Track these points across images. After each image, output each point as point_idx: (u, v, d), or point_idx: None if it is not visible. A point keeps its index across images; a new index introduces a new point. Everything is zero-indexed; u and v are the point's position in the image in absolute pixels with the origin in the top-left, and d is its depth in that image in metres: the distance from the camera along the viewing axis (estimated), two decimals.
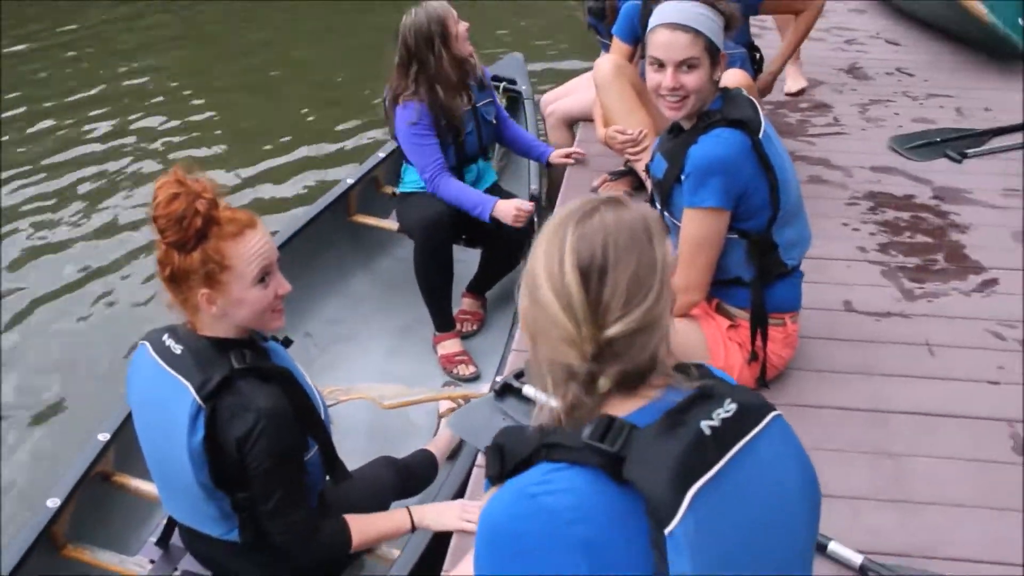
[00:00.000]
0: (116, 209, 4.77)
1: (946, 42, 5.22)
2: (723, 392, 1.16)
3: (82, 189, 4.97)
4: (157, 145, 5.55)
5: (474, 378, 3.20)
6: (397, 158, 3.63)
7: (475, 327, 3.46)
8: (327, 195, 3.71)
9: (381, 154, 3.98)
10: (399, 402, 2.82)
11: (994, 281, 2.94)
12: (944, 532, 1.99)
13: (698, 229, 2.19)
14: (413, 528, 2.02)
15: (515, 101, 4.49)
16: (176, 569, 2.17)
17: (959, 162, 3.77)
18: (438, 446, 2.61)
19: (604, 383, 1.13)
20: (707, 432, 1.09)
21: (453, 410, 2.79)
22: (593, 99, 3.81)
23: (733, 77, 3.01)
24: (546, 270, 1.14)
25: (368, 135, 5.50)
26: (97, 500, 2.40)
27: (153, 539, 2.25)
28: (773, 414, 1.18)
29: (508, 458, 1.17)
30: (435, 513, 2.04)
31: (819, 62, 4.95)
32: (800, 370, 2.49)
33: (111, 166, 5.25)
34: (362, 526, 1.94)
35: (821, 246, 3.07)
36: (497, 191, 3.38)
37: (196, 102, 6.25)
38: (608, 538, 1.07)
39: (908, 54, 5.17)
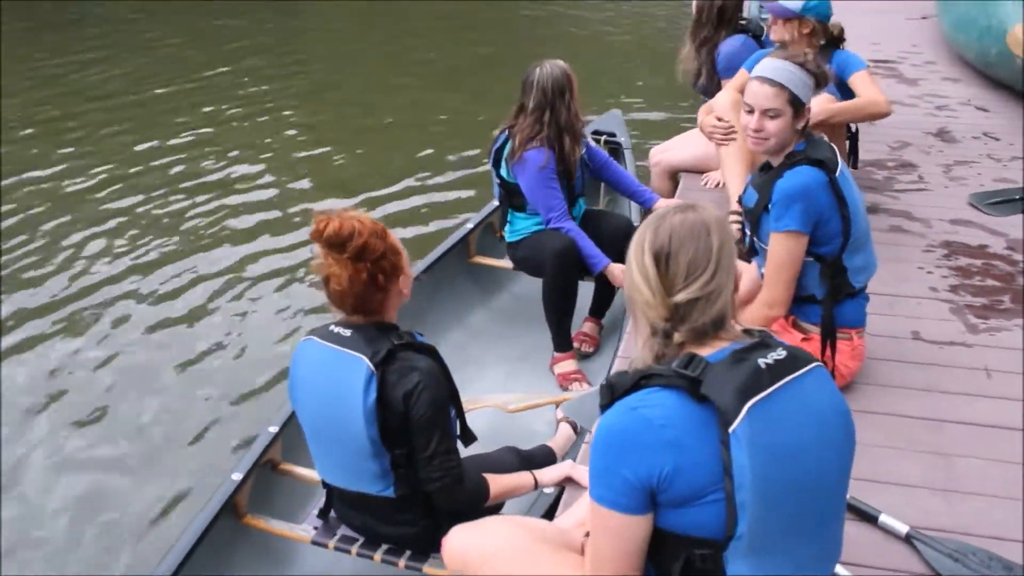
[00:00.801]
0: (254, 243, 5.46)
1: None
2: (778, 344, 1.59)
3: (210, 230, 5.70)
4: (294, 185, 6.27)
5: None
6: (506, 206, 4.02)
7: (591, 349, 3.89)
8: (449, 238, 4.20)
9: (495, 201, 4.41)
10: (522, 406, 3.26)
11: None
12: (983, 516, 2.33)
13: (782, 250, 2.60)
14: (536, 486, 2.46)
15: (615, 152, 4.95)
16: (335, 534, 2.56)
17: None
18: (557, 443, 3.02)
19: (678, 337, 1.58)
20: (763, 366, 1.53)
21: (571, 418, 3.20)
22: (696, 153, 4.29)
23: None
24: (635, 257, 1.62)
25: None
26: (267, 482, 2.85)
27: (315, 511, 2.64)
28: (816, 363, 1.61)
29: (616, 389, 1.60)
30: (552, 472, 2.49)
31: (910, 126, 5.31)
32: (868, 384, 2.85)
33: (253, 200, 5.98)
34: (496, 482, 2.39)
35: (896, 285, 3.45)
36: (591, 217, 3.88)
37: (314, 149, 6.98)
38: (688, 440, 1.50)
39: (996, 119, 5.48)
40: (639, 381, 1.57)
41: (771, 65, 2.62)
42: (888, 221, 4.03)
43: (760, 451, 1.48)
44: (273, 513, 2.78)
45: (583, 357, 3.82)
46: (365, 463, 2.25)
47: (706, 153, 4.22)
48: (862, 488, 2.38)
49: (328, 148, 7.10)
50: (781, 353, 1.57)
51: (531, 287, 4.10)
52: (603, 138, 4.96)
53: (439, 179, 6.41)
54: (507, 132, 3.68)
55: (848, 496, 2.30)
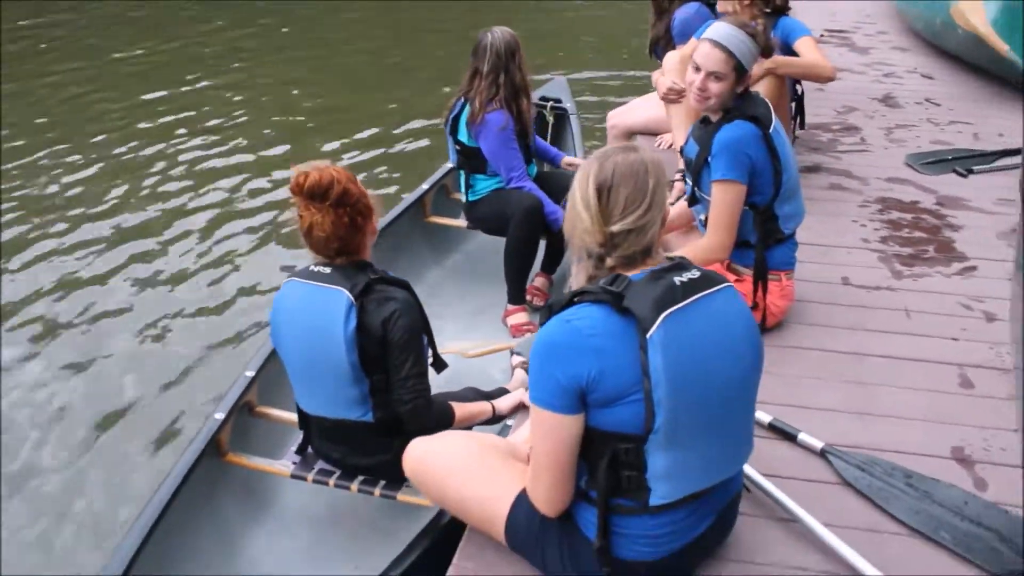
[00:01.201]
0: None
1: (974, 75, 5.80)
2: (693, 267, 1.84)
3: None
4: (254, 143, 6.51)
5: None
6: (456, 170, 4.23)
7: (542, 302, 4.12)
8: (405, 199, 4.41)
9: (448, 165, 4.58)
10: (481, 351, 3.51)
11: (973, 268, 3.53)
12: (893, 435, 2.60)
13: (723, 197, 2.84)
14: (494, 413, 2.70)
15: (561, 118, 5.16)
16: (313, 468, 2.76)
17: (965, 177, 4.35)
18: (512, 386, 3.25)
19: (610, 262, 1.82)
20: (678, 283, 1.78)
21: (524, 364, 3.44)
22: (650, 115, 4.52)
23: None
24: (579, 187, 1.85)
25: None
26: (246, 423, 3.04)
27: (293, 448, 2.84)
28: (727, 284, 1.86)
29: (554, 307, 1.85)
30: (508, 400, 2.75)
31: (857, 92, 5.57)
32: (799, 323, 3.12)
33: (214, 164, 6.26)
34: (460, 408, 2.63)
35: (831, 236, 3.72)
36: (542, 178, 4.12)
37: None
38: (612, 346, 1.75)
39: (939, 87, 5.75)
40: (572, 299, 1.81)
41: (724, 31, 2.84)
42: (829, 179, 4.30)
43: (673, 355, 1.73)
44: (253, 451, 2.96)
45: (534, 310, 4.06)
46: (346, 390, 2.46)
47: (660, 116, 4.44)
48: (787, 412, 2.64)
49: (287, 120, 7.36)
50: (695, 273, 1.83)
51: (484, 245, 4.35)
52: (549, 104, 5.18)
53: (397, 145, 6.75)
54: (464, 98, 3.89)
55: (771, 418, 2.59)
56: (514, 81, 3.79)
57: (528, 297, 4.06)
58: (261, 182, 6.18)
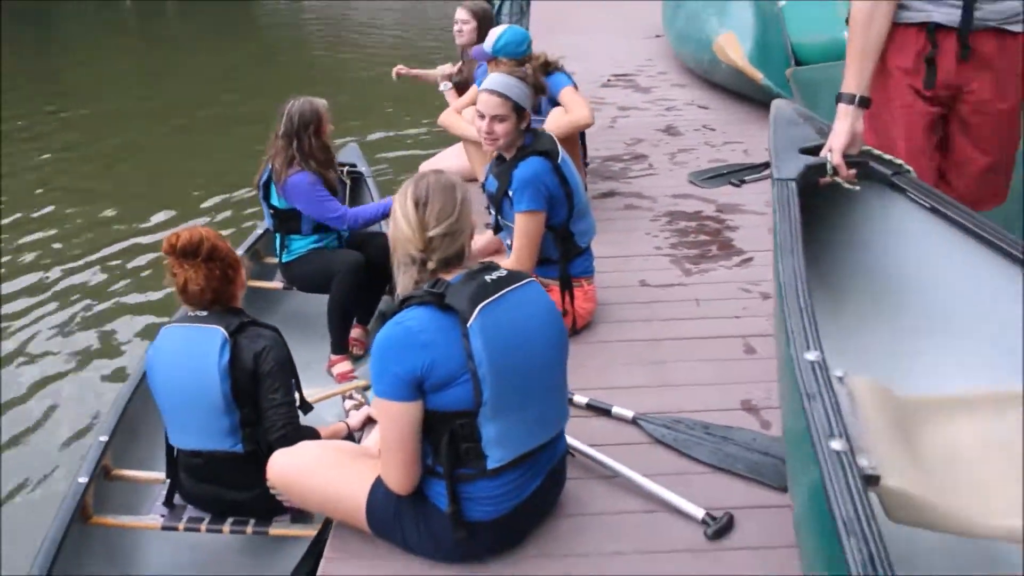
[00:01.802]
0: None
1: (742, 102, 6.57)
2: (499, 267, 2.23)
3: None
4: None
5: (366, 388, 4.01)
6: (271, 233, 4.42)
7: (362, 351, 4.36)
8: None
9: (259, 230, 4.77)
10: (322, 395, 3.78)
11: (750, 259, 4.10)
12: (693, 399, 3.04)
13: (526, 226, 3.26)
14: (349, 429, 2.99)
15: (358, 182, 5.49)
16: (183, 517, 2.89)
17: (739, 186, 4.98)
18: (350, 422, 3.51)
19: (430, 265, 2.19)
20: (489, 281, 2.16)
21: (357, 405, 3.69)
22: (459, 164, 4.95)
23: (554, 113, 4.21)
24: (399, 204, 2.22)
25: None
26: (107, 487, 3.12)
27: (160, 502, 2.96)
28: (530, 280, 2.26)
29: (387, 314, 2.19)
30: (358, 415, 3.05)
31: (643, 126, 6.22)
32: (604, 322, 3.57)
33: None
34: (323, 430, 2.88)
35: (628, 247, 4.23)
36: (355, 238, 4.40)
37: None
38: (439, 339, 2.10)
39: (714, 114, 6.49)
40: (402, 304, 2.17)
41: (498, 79, 3.28)
42: (623, 201, 4.84)
43: (491, 338, 2.10)
44: (118, 511, 3.06)
45: (356, 359, 4.31)
46: (218, 420, 2.66)
47: (466, 163, 4.89)
48: (601, 394, 3.04)
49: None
50: (503, 272, 2.22)
51: (302, 303, 4.58)
52: (345, 169, 5.54)
53: (210, 214, 7.14)
54: (269, 163, 4.11)
55: (588, 399, 2.99)
56: (303, 149, 4.01)
57: (349, 347, 4.32)
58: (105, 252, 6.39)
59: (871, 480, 1.61)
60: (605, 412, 2.97)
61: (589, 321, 3.52)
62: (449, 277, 2.19)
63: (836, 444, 1.58)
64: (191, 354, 2.67)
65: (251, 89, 11.59)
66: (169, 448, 2.86)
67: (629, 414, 2.94)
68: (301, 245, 4.24)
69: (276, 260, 4.39)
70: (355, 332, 4.45)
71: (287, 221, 4.19)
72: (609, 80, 7.68)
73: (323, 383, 4.16)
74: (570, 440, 2.66)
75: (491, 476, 2.20)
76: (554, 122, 4.15)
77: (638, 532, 2.47)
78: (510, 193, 3.28)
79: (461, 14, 5.33)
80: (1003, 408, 1.90)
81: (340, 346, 4.23)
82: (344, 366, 4.20)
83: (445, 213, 2.19)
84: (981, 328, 2.31)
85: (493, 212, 3.42)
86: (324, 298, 4.21)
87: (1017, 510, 1.65)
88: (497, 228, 3.45)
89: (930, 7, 2.56)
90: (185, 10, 19.60)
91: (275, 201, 4.15)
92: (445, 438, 2.16)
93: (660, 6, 8.90)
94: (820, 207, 2.65)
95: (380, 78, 12.04)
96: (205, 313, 2.71)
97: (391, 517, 2.30)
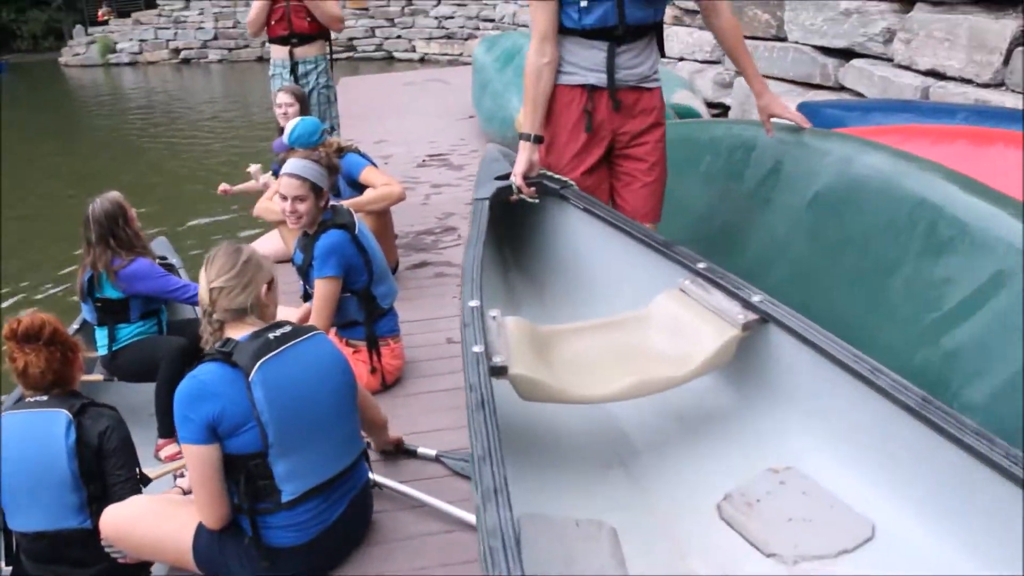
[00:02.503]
0: None
1: None
2: (288, 323, 2.60)
3: None
4: None
5: None
6: (90, 326, 4.52)
7: None
8: None
9: (75, 325, 4.82)
10: (159, 472, 4.00)
11: None
12: None
13: (323, 290, 3.65)
14: (183, 491, 3.22)
15: (171, 268, 5.72)
16: None
17: None
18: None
19: (216, 316, 2.56)
20: (272, 338, 2.53)
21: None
22: (275, 250, 5.28)
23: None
24: (204, 265, 2.56)
25: None
26: None
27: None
28: (316, 332, 2.64)
29: (188, 369, 2.52)
30: (185, 480, 3.29)
31: (455, 201, 6.75)
32: (412, 377, 3.99)
33: None
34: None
35: (435, 311, 4.66)
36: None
37: None
38: (227, 391, 2.47)
39: None
40: (199, 361, 2.51)
41: (295, 164, 3.69)
42: (434, 270, 5.31)
43: (272, 389, 2.48)
44: None
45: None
46: (65, 498, 2.82)
47: (281, 246, 5.23)
48: (413, 439, 3.43)
49: None
50: (287, 329, 2.60)
51: (126, 395, 4.63)
52: (156, 261, 5.76)
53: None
54: (91, 269, 4.27)
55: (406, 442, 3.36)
56: (121, 242, 4.22)
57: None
58: None
59: (500, 370, 2.38)
60: (411, 453, 3.35)
61: (399, 377, 3.92)
62: (238, 335, 2.56)
63: (476, 348, 2.38)
64: (35, 438, 2.84)
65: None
66: (7, 534, 2.98)
67: (432, 452, 3.33)
68: (127, 333, 4.43)
69: (94, 354, 4.55)
70: None
71: (115, 313, 4.37)
72: (424, 160, 8.22)
73: (153, 466, 4.35)
74: (378, 478, 3.03)
75: (288, 507, 2.56)
76: (366, 196, 4.59)
77: (440, 550, 2.85)
78: (313, 263, 3.66)
79: (284, 97, 5.58)
80: (608, 327, 2.82)
81: (167, 429, 4.35)
82: (172, 448, 4.36)
83: (224, 269, 2.59)
84: (615, 283, 3.27)
85: (302, 283, 3.79)
86: (144, 387, 4.38)
87: (609, 384, 2.51)
88: (307, 296, 3.82)
89: (587, 73, 3.31)
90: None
91: (108, 293, 4.29)
92: (243, 477, 2.51)
93: (470, 88, 9.57)
94: (518, 217, 3.52)
95: (194, 171, 12.46)
96: (45, 397, 2.90)
97: (216, 552, 2.60)
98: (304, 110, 5.44)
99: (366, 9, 25.72)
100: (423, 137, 9.27)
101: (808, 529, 2.18)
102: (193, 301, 4.40)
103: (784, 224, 3.29)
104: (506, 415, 2.40)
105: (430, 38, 24.11)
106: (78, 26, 35.29)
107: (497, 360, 2.40)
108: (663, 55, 3.54)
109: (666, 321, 2.74)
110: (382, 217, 4.91)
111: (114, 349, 4.44)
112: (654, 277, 2.96)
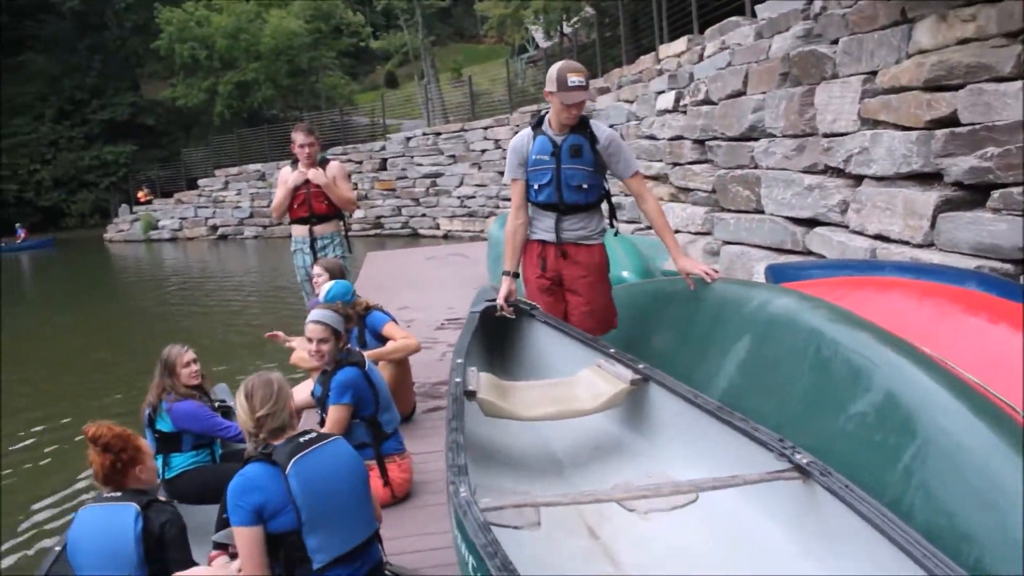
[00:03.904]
0: None
1: None
2: (315, 431, 3.26)
3: None
4: None
5: None
6: None
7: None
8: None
9: None
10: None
11: None
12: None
13: (337, 416, 4.32)
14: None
15: (227, 412, 6.38)
16: None
17: None
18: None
19: (262, 435, 3.21)
20: (303, 440, 3.20)
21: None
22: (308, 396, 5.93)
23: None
24: (238, 400, 3.27)
25: None
26: None
27: None
28: (336, 438, 3.30)
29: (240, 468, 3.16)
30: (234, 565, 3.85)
31: None
32: (423, 492, 4.56)
33: None
34: None
35: None
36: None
37: None
38: (269, 484, 3.12)
39: None
40: (244, 463, 3.15)
41: (319, 313, 4.45)
42: (433, 403, 5.93)
43: (303, 479, 3.13)
44: None
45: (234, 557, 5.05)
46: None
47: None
48: (415, 556, 3.97)
49: None
50: (313, 434, 3.26)
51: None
52: (216, 403, 6.44)
53: None
54: (152, 399, 4.97)
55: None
56: (173, 384, 4.94)
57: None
58: None
59: (471, 394, 3.85)
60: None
61: (408, 490, 4.51)
62: (277, 442, 3.21)
63: (457, 379, 3.87)
64: (110, 525, 3.47)
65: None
66: None
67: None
68: (181, 462, 5.04)
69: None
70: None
71: (169, 443, 5.01)
72: (442, 324, 8.98)
73: None
74: (388, 559, 3.59)
75: (319, 573, 3.12)
76: (388, 347, 5.40)
77: None
78: (330, 394, 4.34)
79: (318, 269, 6.40)
80: (549, 385, 4.27)
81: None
82: (223, 559, 4.93)
83: (266, 399, 3.26)
84: (560, 365, 4.52)
85: (320, 412, 4.46)
86: (195, 509, 4.93)
87: (544, 409, 3.99)
88: (323, 423, 4.47)
89: (542, 232, 4.69)
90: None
91: (161, 426, 4.97)
92: (282, 551, 3.10)
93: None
94: (500, 328, 4.82)
95: (240, 329, 13.32)
96: (119, 495, 3.54)
97: None
98: (332, 279, 6.25)
99: (393, 190, 27.35)
100: (442, 304, 10.06)
101: (660, 501, 3.41)
102: (238, 439, 5.03)
103: (719, 350, 3.96)
104: (472, 425, 3.78)
105: (453, 216, 25.32)
106: (123, 205, 37.39)
107: (470, 387, 3.89)
108: (613, 221, 4.89)
109: (584, 381, 4.15)
110: (401, 366, 5.62)
111: (167, 476, 5.04)
112: (584, 360, 4.32)
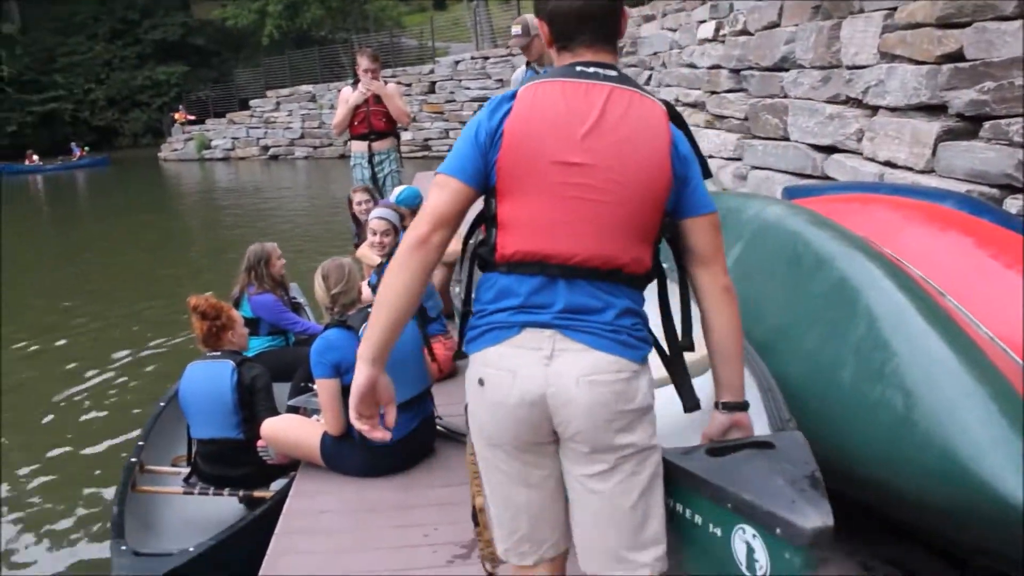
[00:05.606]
0: None
1: None
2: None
3: None
4: None
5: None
6: None
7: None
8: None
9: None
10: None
11: None
12: None
13: None
14: None
15: (298, 308, 7.09)
16: (196, 486, 4.38)
17: None
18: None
19: (336, 309, 3.94)
20: (370, 310, 3.87)
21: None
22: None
23: None
24: (316, 279, 4.04)
25: None
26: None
27: (182, 478, 4.48)
28: None
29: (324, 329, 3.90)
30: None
31: None
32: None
33: None
34: None
35: None
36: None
37: None
38: (343, 344, 3.87)
39: None
40: (325, 328, 3.88)
41: (381, 211, 5.23)
42: None
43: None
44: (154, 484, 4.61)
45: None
46: (229, 418, 4.25)
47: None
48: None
49: None
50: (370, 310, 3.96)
51: None
52: (292, 300, 7.25)
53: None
54: (239, 287, 5.78)
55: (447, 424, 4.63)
56: (261, 277, 5.71)
57: None
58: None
59: None
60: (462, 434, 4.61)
61: (452, 367, 5.22)
62: (349, 313, 3.93)
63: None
64: (211, 377, 4.31)
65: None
66: (190, 440, 4.45)
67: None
68: (258, 344, 5.82)
69: None
70: None
71: (249, 327, 5.67)
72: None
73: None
74: (439, 413, 4.31)
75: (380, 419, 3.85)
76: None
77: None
78: None
79: (362, 196, 7.19)
80: None
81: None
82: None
83: (339, 280, 4.00)
84: None
85: None
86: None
87: None
88: None
89: None
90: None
91: (243, 311, 5.70)
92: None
93: None
94: None
95: (297, 241, 14.20)
96: (218, 354, 4.37)
97: (335, 451, 3.94)
98: (375, 201, 6.94)
99: (441, 113, 27.89)
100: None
101: None
102: (303, 332, 5.79)
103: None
104: None
105: None
106: (176, 124, 38.19)
107: None
108: None
109: None
110: (451, 269, 6.31)
111: (246, 356, 5.81)
112: None
